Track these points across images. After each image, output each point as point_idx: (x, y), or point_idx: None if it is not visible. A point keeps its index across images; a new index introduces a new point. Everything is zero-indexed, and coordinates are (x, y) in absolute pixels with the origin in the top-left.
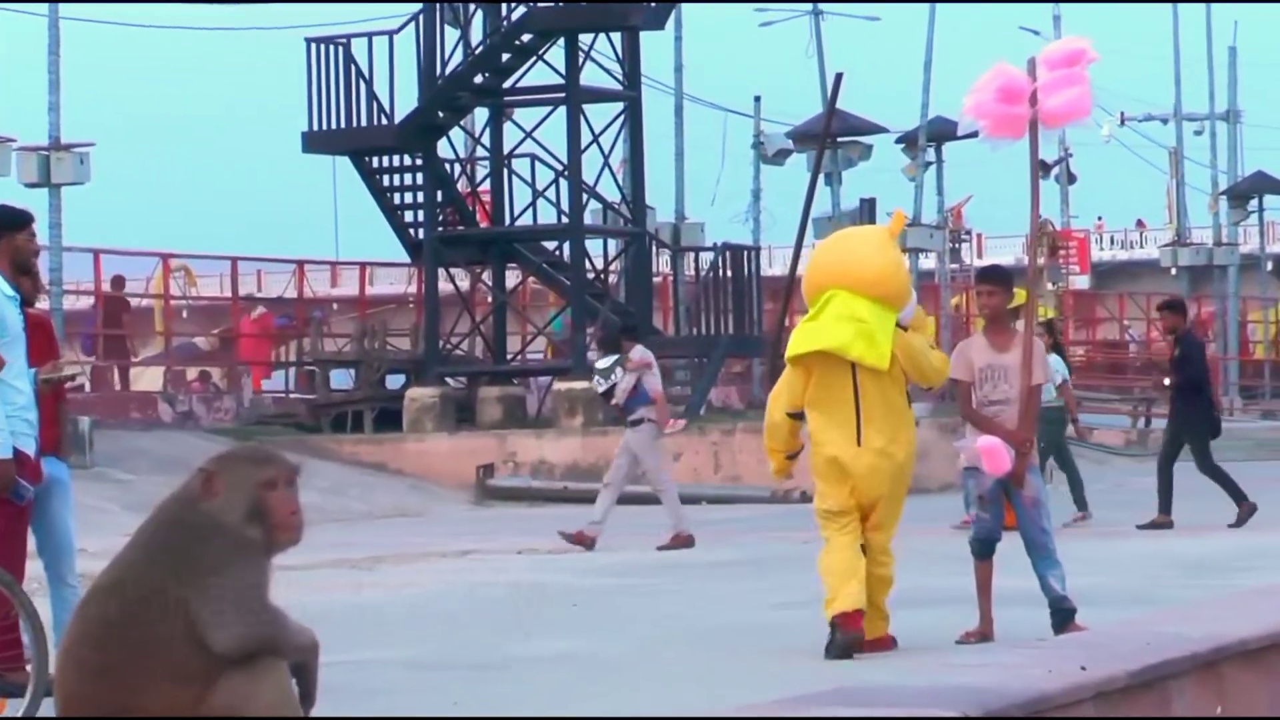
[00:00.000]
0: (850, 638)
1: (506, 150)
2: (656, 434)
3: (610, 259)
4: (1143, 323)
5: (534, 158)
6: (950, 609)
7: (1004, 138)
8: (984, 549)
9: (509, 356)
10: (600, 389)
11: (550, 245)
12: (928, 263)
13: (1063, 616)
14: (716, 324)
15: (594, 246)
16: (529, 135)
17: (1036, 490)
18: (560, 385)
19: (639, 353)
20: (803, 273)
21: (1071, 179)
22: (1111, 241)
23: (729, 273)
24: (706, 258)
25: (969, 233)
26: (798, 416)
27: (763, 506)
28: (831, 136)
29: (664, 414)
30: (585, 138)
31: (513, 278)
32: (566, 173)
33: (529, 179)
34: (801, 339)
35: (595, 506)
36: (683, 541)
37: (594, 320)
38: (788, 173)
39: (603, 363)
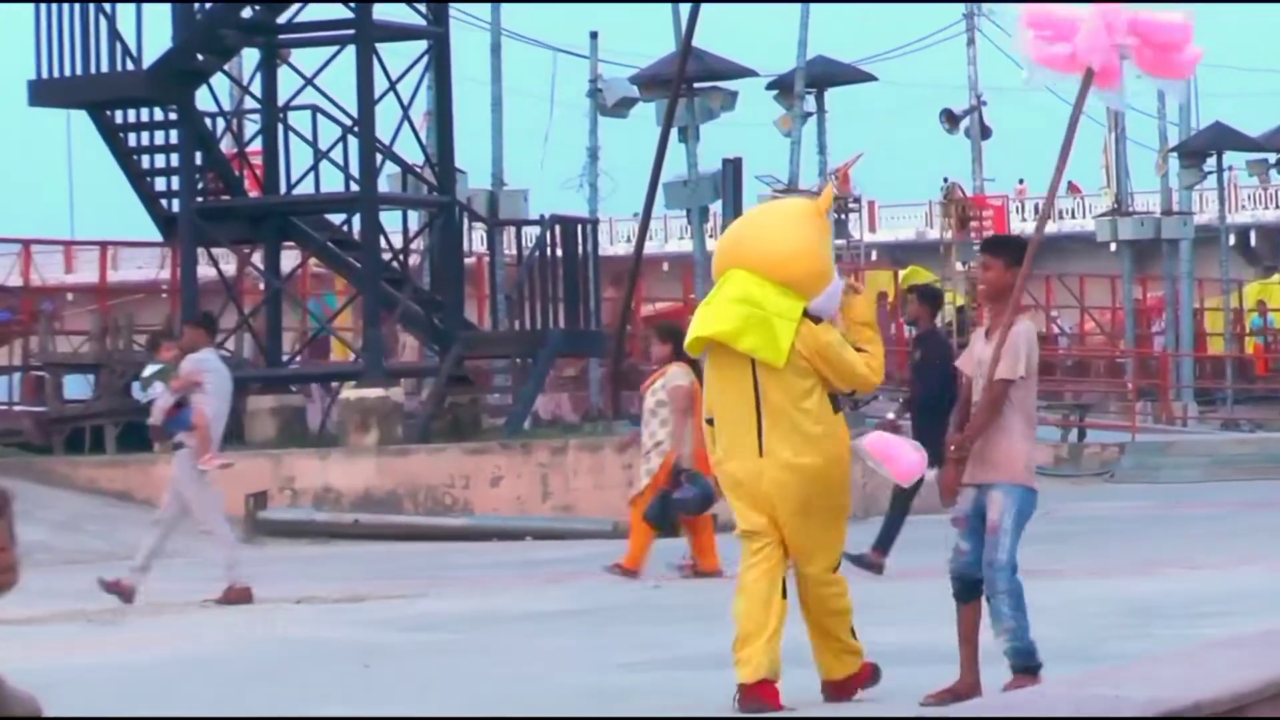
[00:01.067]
0: (750, 711)
1: (282, 101)
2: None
3: (412, 235)
4: (1075, 311)
5: (316, 110)
6: (920, 668)
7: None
8: (961, 590)
9: (285, 358)
10: (141, 401)
11: (337, 219)
12: None
13: (1016, 669)
14: (544, 316)
15: (391, 220)
16: (309, 82)
17: (999, 512)
18: (349, 394)
19: (191, 364)
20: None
21: (985, 133)
22: (1036, 211)
23: (560, 252)
24: (532, 233)
25: (859, 200)
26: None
27: (603, 542)
28: (687, 82)
29: (203, 444)
30: (380, 85)
31: (290, 259)
32: (356, 129)
33: (310, 137)
34: (693, 324)
35: (140, 548)
36: (238, 596)
37: (390, 311)
38: (632, 127)
39: (149, 369)
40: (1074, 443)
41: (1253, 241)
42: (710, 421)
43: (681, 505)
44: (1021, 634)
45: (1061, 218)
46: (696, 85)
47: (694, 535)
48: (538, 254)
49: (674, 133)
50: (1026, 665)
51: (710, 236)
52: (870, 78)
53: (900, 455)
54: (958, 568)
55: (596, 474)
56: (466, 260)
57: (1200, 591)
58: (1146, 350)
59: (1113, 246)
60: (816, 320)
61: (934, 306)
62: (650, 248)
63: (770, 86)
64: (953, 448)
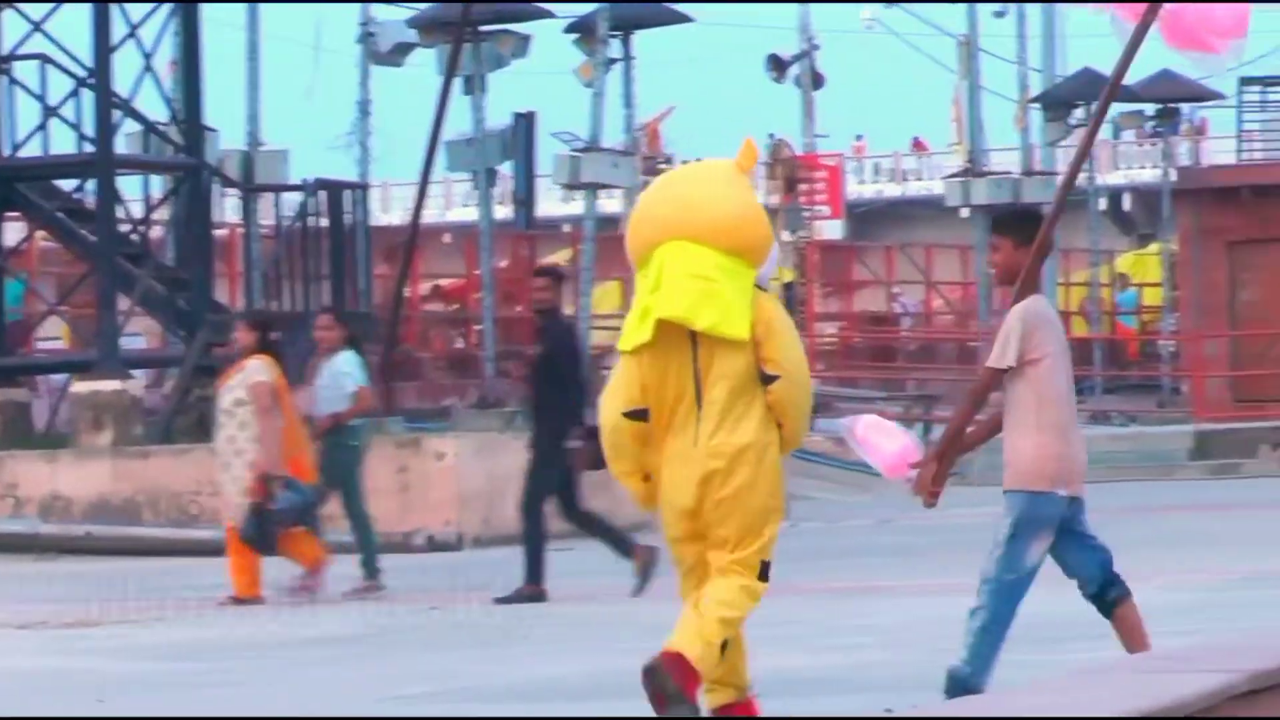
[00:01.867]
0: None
1: (5, 50)
2: None
3: (154, 203)
4: (920, 287)
5: (44, 60)
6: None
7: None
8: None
9: (7, 345)
10: None
11: (68, 185)
12: (612, 204)
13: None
14: (306, 295)
15: (131, 186)
16: (37, 27)
17: (1001, 523)
18: (82, 387)
19: None
20: (630, 224)
21: (818, 82)
22: (876, 171)
23: (325, 221)
24: (293, 200)
25: (670, 160)
26: (640, 416)
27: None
28: (472, 24)
29: None
30: (119, 31)
31: (14, 232)
32: (91, 81)
33: (38, 91)
34: (636, 321)
35: None
36: None
37: (129, 290)
38: (409, 77)
39: None
40: (918, 438)
41: (1126, 205)
42: (636, 415)
43: (280, 518)
44: (972, 658)
45: (905, 179)
46: (483, 28)
47: (293, 548)
48: (299, 224)
49: (457, 83)
50: (968, 688)
51: (499, 203)
52: (685, 19)
53: (889, 446)
54: None
55: (372, 479)
56: (217, 232)
57: (1067, 612)
58: None
59: (964, 212)
60: (764, 289)
61: (559, 288)
62: (429, 216)
63: (569, 29)
64: (941, 447)
